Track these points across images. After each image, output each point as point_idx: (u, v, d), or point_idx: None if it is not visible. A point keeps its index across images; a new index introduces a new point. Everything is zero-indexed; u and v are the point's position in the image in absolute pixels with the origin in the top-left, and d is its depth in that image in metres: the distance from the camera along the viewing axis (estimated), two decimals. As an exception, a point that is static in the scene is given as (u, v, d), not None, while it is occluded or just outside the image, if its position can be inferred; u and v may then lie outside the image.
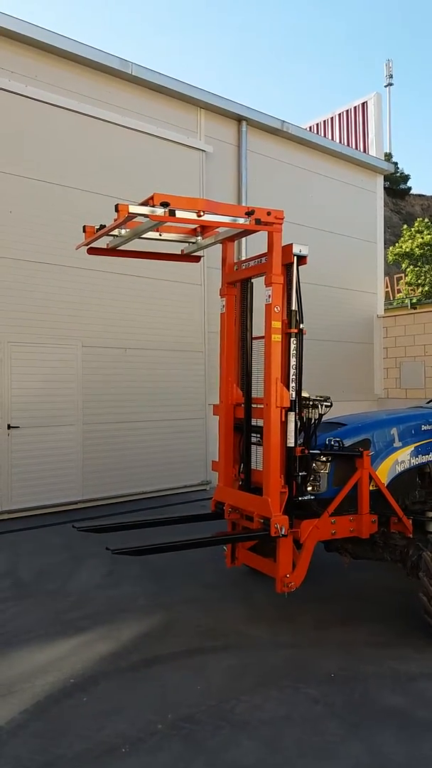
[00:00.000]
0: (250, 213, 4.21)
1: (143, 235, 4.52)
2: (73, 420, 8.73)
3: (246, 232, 4.78)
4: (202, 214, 3.97)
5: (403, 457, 4.95)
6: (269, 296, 4.38)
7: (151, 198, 3.78)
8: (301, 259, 4.49)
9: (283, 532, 4.28)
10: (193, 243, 4.94)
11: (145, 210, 3.81)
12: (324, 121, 15.16)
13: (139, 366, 9.44)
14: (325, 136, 14.54)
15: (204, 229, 4.73)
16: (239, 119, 10.79)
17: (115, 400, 9.16)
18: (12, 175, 8.25)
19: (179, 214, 3.88)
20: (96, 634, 4.55)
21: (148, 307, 9.55)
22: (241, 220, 4.24)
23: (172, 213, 3.82)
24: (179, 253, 5.21)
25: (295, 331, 4.44)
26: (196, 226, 4.64)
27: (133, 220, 4.13)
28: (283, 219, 4.38)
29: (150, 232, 4.51)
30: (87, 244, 4.75)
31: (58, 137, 8.63)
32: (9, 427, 8.13)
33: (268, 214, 4.30)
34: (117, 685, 3.82)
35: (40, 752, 3.15)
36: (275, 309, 4.34)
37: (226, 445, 5.12)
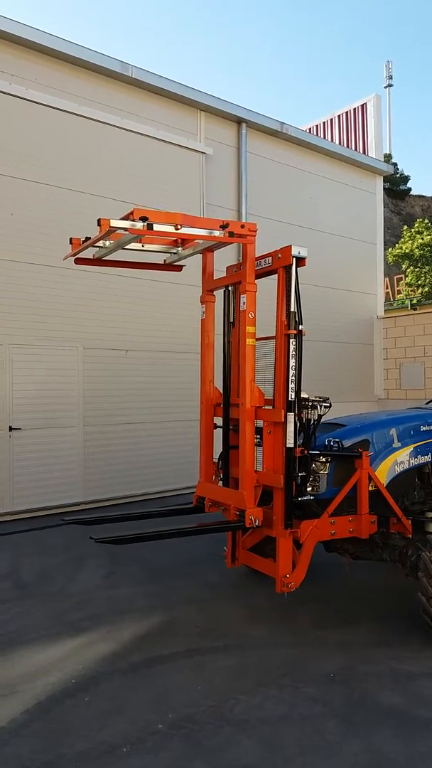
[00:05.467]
0: (224, 226, 4.42)
1: (129, 246, 4.71)
2: (74, 422, 8.76)
3: (223, 244, 4.90)
4: (179, 227, 4.21)
5: (402, 458, 4.96)
6: (244, 303, 4.57)
7: (131, 213, 4.01)
8: (300, 261, 4.53)
9: (257, 524, 4.43)
10: (174, 253, 5.13)
11: (125, 224, 4.02)
12: (323, 123, 15.20)
13: (139, 367, 9.47)
14: (324, 137, 14.58)
15: (184, 240, 4.90)
16: (239, 121, 10.82)
17: (116, 402, 9.19)
18: (12, 177, 8.28)
19: (157, 227, 4.09)
20: (97, 635, 4.57)
21: (149, 309, 9.58)
22: (217, 233, 4.43)
23: (150, 227, 4.04)
24: (162, 262, 5.38)
25: (294, 332, 4.45)
26: (175, 237, 4.82)
27: (117, 232, 4.27)
28: (255, 231, 4.57)
29: (134, 244, 4.71)
30: (73, 256, 4.93)
31: (59, 140, 8.66)
32: (10, 428, 8.16)
33: (242, 227, 4.53)
34: (118, 685, 3.85)
35: (42, 752, 3.17)
36: (249, 315, 4.54)
37: (206, 443, 5.23)
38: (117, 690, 3.79)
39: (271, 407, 4.62)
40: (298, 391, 4.47)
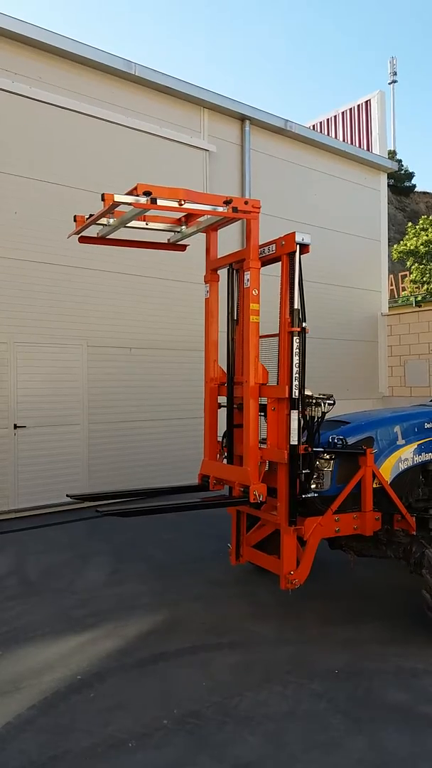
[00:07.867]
0: (228, 202, 4.39)
1: (133, 226, 4.69)
2: (79, 419, 8.78)
3: (227, 221, 4.90)
4: (182, 202, 4.16)
5: (406, 455, 4.96)
6: (248, 280, 4.57)
7: (135, 188, 3.99)
8: (304, 248, 4.52)
9: (261, 499, 4.45)
10: (178, 232, 5.10)
11: (129, 199, 4.01)
12: (327, 120, 15.17)
13: (144, 365, 9.48)
14: (328, 134, 14.55)
15: (188, 218, 4.89)
16: (242, 119, 10.81)
17: (120, 400, 9.21)
18: (16, 176, 8.30)
19: (161, 202, 4.07)
20: (102, 631, 4.60)
21: (153, 307, 9.59)
22: (220, 209, 4.41)
23: (153, 201, 4.01)
24: (165, 242, 5.37)
25: (298, 329, 4.45)
26: (180, 216, 4.84)
27: (120, 209, 4.30)
28: (259, 208, 4.56)
29: (138, 222, 4.70)
30: (77, 233, 4.91)
31: (62, 138, 8.67)
32: (15, 426, 8.19)
33: (246, 203, 4.51)
34: (123, 682, 3.87)
35: (48, 747, 3.19)
36: (253, 292, 4.56)
37: (210, 422, 5.25)
38: (122, 686, 3.81)
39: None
40: (301, 389, 4.48)
